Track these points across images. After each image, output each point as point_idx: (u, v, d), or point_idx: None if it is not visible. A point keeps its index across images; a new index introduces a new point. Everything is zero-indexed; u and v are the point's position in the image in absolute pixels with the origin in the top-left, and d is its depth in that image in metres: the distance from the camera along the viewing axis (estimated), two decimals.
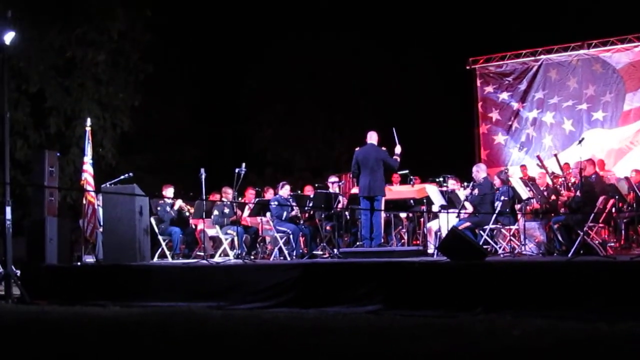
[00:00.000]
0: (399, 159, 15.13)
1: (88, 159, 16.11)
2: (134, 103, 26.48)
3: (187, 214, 17.47)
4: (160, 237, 16.50)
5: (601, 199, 13.49)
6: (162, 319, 11.24)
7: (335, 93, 31.80)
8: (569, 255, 12.39)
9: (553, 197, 15.02)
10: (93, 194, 15.80)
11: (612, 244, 14.71)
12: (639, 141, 20.46)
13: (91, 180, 16.09)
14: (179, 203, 17.23)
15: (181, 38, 30.44)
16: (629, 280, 9.79)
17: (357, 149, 15.20)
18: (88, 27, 24.78)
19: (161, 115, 30.47)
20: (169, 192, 17.25)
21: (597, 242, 13.32)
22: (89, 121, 16.56)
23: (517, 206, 15.07)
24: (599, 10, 25.96)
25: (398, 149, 15.11)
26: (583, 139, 15.90)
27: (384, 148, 14.95)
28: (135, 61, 26.40)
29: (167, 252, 16.47)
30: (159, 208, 16.90)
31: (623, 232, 15.37)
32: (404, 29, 31.17)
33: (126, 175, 16.61)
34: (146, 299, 12.73)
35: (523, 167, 19.62)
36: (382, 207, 15.05)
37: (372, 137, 15.05)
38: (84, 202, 15.91)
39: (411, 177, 16.67)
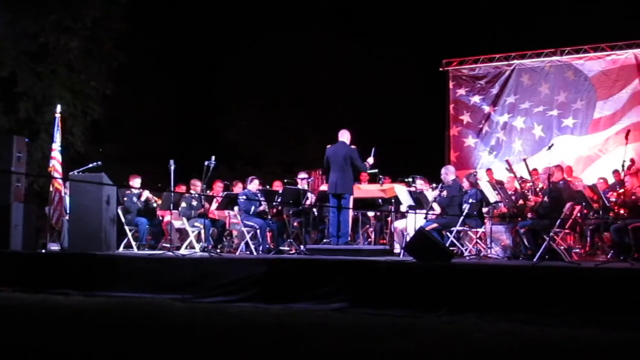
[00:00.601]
0: (368, 166, 15.13)
1: (57, 145, 15.94)
2: (106, 91, 26.35)
3: (155, 205, 17.38)
4: (126, 227, 16.39)
5: (568, 205, 13.56)
6: (126, 309, 11.20)
7: (309, 89, 31.77)
8: (535, 259, 12.43)
9: (521, 201, 15.08)
10: (60, 181, 15.66)
11: (578, 250, 14.80)
12: (608, 149, 20.58)
13: (59, 167, 15.92)
14: (146, 194, 17.12)
15: (157, 28, 30.29)
16: (593, 287, 9.84)
17: (328, 146, 15.18)
18: (63, 14, 24.61)
19: (133, 104, 30.32)
20: (136, 182, 17.14)
21: (562, 247, 13.39)
22: (59, 108, 16.36)
23: (485, 209, 15.13)
24: (573, 18, 26.11)
25: (371, 160, 15.09)
26: (552, 144, 15.95)
27: (353, 146, 14.91)
28: (109, 49, 26.26)
29: (133, 243, 16.37)
30: (125, 198, 16.78)
31: (589, 238, 15.45)
32: (381, 27, 31.21)
33: (95, 163, 16.51)
34: (110, 289, 12.63)
35: (489, 170, 19.68)
36: (350, 205, 15.05)
37: (344, 136, 15.02)
38: (51, 189, 15.75)
39: (380, 176, 16.67)
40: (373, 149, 15.11)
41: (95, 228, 14.70)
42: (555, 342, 8.28)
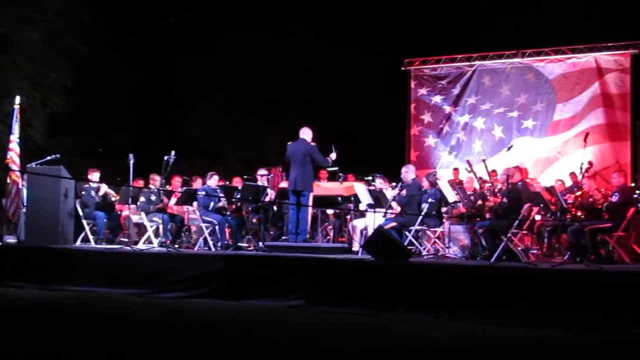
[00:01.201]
0: (330, 161, 15.11)
1: (15, 137, 15.78)
2: (67, 84, 26.14)
3: (113, 199, 17.26)
4: (84, 221, 16.24)
5: (526, 206, 13.61)
6: (82, 304, 11.14)
7: (270, 86, 31.73)
8: (492, 260, 12.47)
9: (480, 202, 15.14)
10: (18, 173, 15.50)
11: (535, 252, 14.88)
12: (567, 151, 20.75)
13: (17, 159, 15.76)
14: (105, 188, 16.98)
15: (119, 20, 30.08)
16: (550, 288, 9.91)
17: (289, 143, 15.15)
18: (24, 5, 24.39)
19: (94, 97, 30.09)
20: (94, 176, 16.98)
21: (520, 248, 13.45)
22: (18, 99, 16.20)
23: (444, 209, 15.16)
24: (535, 20, 26.24)
25: (333, 155, 15.07)
26: (512, 146, 16.07)
27: (314, 144, 14.89)
28: (71, 41, 26.05)
29: (91, 237, 16.24)
30: (84, 192, 16.63)
31: (546, 240, 15.53)
32: (343, 26, 31.19)
33: (53, 156, 16.34)
34: (67, 283, 12.55)
35: (456, 170, 19.75)
36: (310, 203, 15.03)
37: (305, 133, 14.99)
38: (8, 181, 15.58)
39: (341, 174, 16.66)
40: (332, 146, 15.09)
41: (52, 221, 14.53)
42: (511, 342, 8.33)
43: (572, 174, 17.17)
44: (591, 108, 20.71)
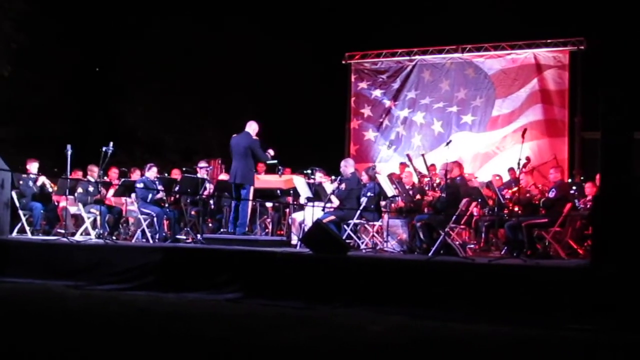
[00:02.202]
0: (269, 156, 15.09)
1: None
2: (4, 73, 25.74)
3: (50, 190, 17.09)
4: (20, 212, 16.08)
5: (464, 201, 13.73)
6: (18, 295, 11.03)
7: (210, 77, 31.55)
8: (430, 254, 12.57)
9: (418, 196, 15.21)
10: None
11: (472, 246, 14.97)
12: (505, 147, 20.85)
13: None
14: (42, 179, 16.83)
15: (56, 8, 29.69)
16: (486, 283, 9.99)
17: (233, 135, 15.10)
18: None
19: (30, 87, 29.67)
20: (33, 167, 16.80)
21: (457, 243, 13.55)
22: None
23: (383, 203, 15.19)
24: (475, 15, 26.38)
25: (271, 151, 15.06)
26: (451, 141, 16.14)
27: (256, 138, 14.85)
28: (8, 30, 25.65)
29: (27, 228, 16.07)
30: (21, 182, 16.45)
31: (483, 234, 15.66)
32: (284, 18, 31.08)
33: None
34: (2, 274, 12.45)
35: (403, 164, 19.70)
36: (250, 197, 14.99)
37: (250, 127, 14.97)
38: None
39: (280, 167, 16.63)
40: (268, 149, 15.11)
41: None
42: (447, 336, 8.37)
43: (511, 170, 17.33)
44: (530, 104, 20.82)
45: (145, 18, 31.26)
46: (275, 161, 16.44)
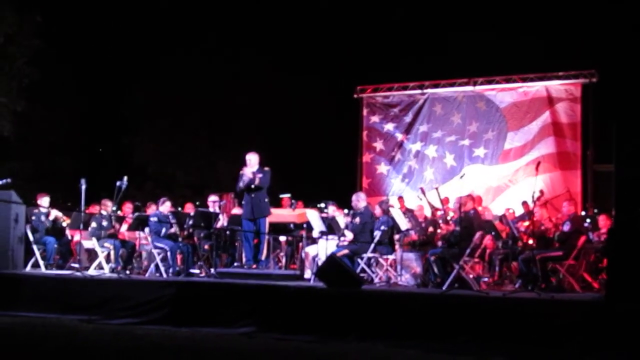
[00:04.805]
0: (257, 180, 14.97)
1: None
2: (17, 108, 25.87)
3: (64, 224, 17.12)
4: (34, 246, 16.09)
5: (478, 234, 13.69)
6: (31, 330, 11.04)
7: (221, 111, 31.65)
8: (444, 288, 12.52)
9: (431, 229, 15.19)
10: None
11: (486, 280, 14.92)
12: (518, 180, 20.81)
13: None
14: (55, 213, 16.86)
15: (70, 46, 29.93)
16: (501, 316, 9.96)
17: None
18: None
19: (44, 122, 29.85)
20: (44, 201, 16.82)
21: (471, 276, 13.50)
22: None
23: (396, 236, 15.18)
24: (486, 49, 26.46)
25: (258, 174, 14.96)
26: (464, 174, 16.12)
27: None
28: (21, 65, 25.80)
29: (41, 262, 16.08)
30: (33, 217, 16.48)
31: (497, 268, 15.61)
32: (295, 53, 31.24)
33: (4, 181, 16.17)
34: (16, 309, 12.50)
35: (400, 198, 19.71)
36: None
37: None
38: None
39: (293, 201, 16.63)
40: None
41: (2, 246, 14.50)
42: None
43: (524, 203, 17.26)
44: (542, 137, 20.78)
45: (156, 55, 31.41)
46: (289, 195, 16.42)
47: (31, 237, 16.05)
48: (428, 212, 16.57)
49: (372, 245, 14.36)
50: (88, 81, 31.58)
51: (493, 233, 14.81)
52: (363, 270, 14.42)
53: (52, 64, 28.15)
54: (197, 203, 17.92)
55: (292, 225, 16.82)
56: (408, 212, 15.87)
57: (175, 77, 31.76)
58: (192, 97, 31.62)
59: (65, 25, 28.87)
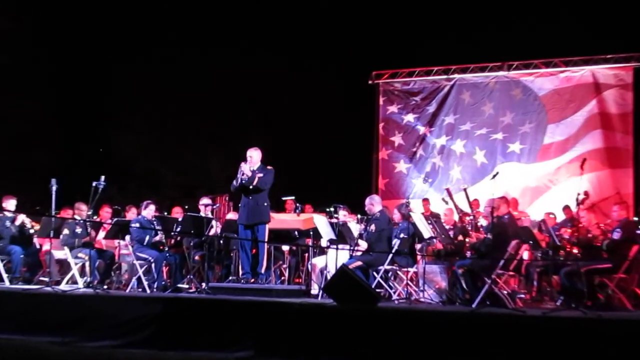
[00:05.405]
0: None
1: None
2: None
3: (31, 231, 17.13)
4: None
5: (513, 243, 13.64)
6: None
7: (217, 101, 31.60)
8: (473, 305, 12.51)
9: (459, 237, 15.15)
10: None
11: (522, 296, 14.89)
12: (559, 179, 20.75)
13: None
14: (22, 218, 16.87)
15: (44, 29, 29.91)
16: (540, 339, 9.91)
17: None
18: None
19: (9, 112, 29.85)
20: (10, 204, 16.84)
21: (505, 292, 13.46)
22: None
23: (418, 246, 15.14)
24: (523, 29, 26.34)
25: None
26: (497, 173, 16.06)
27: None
28: None
29: (4, 275, 16.10)
30: None
31: (535, 282, 15.57)
32: (301, 31, 31.09)
33: None
34: None
35: (425, 200, 19.68)
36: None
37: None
38: None
39: (298, 204, 16.61)
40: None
41: None
42: None
43: (566, 208, 17.19)
44: (587, 130, 20.73)
45: (143, 39, 31.35)
46: (293, 197, 16.41)
47: None
48: (456, 217, 16.54)
49: (390, 256, 14.35)
50: (63, 64, 31.50)
51: (530, 242, 14.78)
52: (379, 285, 14.42)
53: (23, 48, 28.19)
54: (187, 207, 17.90)
55: (296, 233, 16.81)
56: (433, 217, 15.82)
57: (165, 63, 31.73)
58: (183, 83, 31.57)
59: (38, 6, 28.88)
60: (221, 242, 16.65)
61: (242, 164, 14.69)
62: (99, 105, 32.72)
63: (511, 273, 14.15)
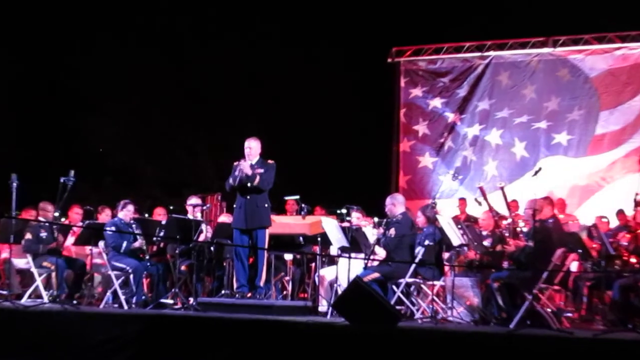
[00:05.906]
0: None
1: None
2: None
3: None
4: None
5: (558, 252, 13.64)
6: None
7: (208, 86, 31.65)
8: (511, 325, 12.52)
9: (498, 246, 15.15)
10: None
11: (570, 315, 14.91)
12: (614, 177, 20.69)
13: None
14: None
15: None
16: None
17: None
18: None
19: None
20: None
21: (549, 310, 13.48)
22: None
23: (445, 255, 15.14)
24: None
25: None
26: (540, 169, 16.07)
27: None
28: None
29: None
30: None
31: (585, 298, 15.58)
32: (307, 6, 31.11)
33: None
34: None
35: (462, 200, 19.66)
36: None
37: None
38: None
39: (304, 205, 16.64)
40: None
41: None
42: None
43: (620, 213, 17.14)
44: None
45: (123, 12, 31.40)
46: (297, 196, 16.47)
47: None
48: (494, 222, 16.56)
49: (412, 267, 14.36)
50: (23, 45, 31.60)
51: (579, 250, 14.79)
52: (399, 301, 14.43)
53: None
54: (172, 207, 17.95)
55: (301, 239, 16.82)
56: (466, 221, 15.82)
57: (145, 42, 31.78)
58: (169, 65, 31.64)
59: None
60: (212, 249, 16.69)
61: (242, 162, 14.66)
62: (67, 89, 32.76)
63: (556, 287, 14.19)
